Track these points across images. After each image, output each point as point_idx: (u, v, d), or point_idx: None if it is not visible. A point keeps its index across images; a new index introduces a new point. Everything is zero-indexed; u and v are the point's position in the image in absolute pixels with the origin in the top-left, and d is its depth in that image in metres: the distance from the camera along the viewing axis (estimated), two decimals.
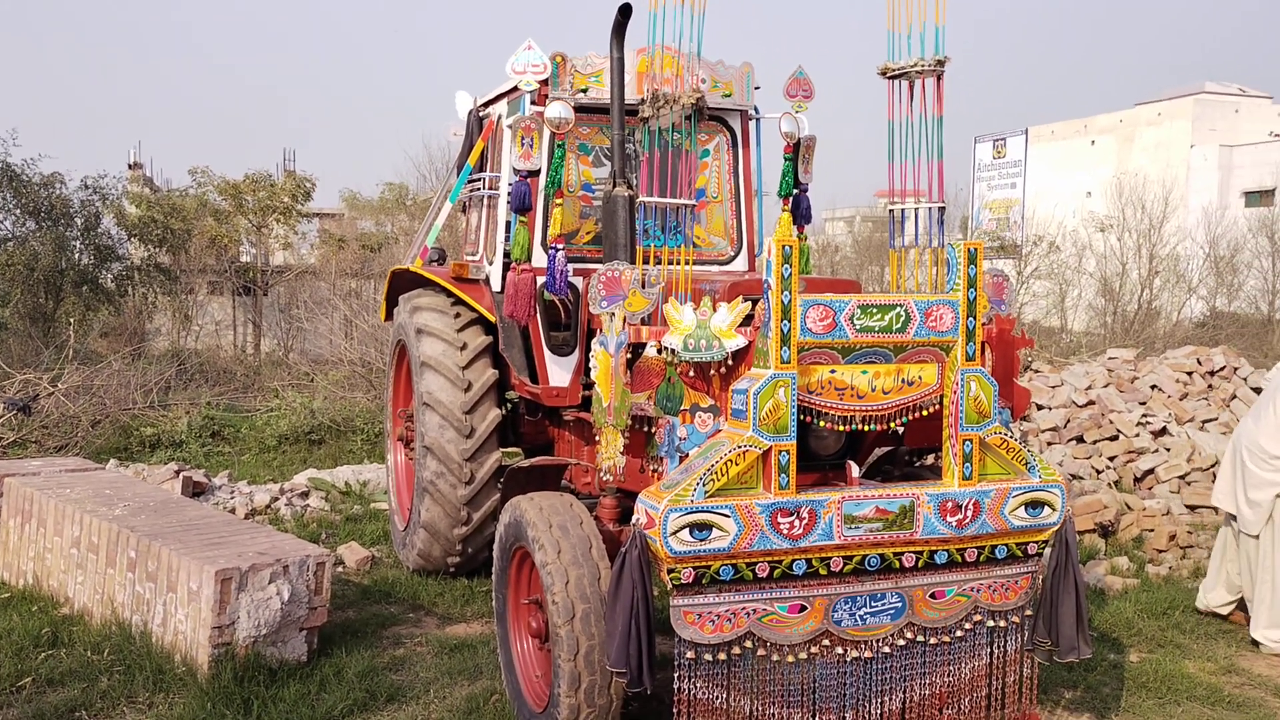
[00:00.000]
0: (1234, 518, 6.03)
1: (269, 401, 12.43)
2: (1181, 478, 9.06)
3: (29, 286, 17.33)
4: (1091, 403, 10.22)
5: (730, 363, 4.00)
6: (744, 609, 3.84)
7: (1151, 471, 9.15)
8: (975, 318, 4.04)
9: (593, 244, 6.05)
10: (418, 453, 6.39)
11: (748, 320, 4.01)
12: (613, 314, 4.15)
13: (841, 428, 3.98)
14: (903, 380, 4.03)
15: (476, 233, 6.87)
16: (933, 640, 4.13)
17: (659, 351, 4.10)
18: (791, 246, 3.79)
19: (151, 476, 8.29)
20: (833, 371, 3.93)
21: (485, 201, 6.67)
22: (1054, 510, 4.20)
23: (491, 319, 6.38)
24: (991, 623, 4.22)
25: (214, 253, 24.61)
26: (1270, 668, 5.53)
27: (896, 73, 4.58)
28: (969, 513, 4.05)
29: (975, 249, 4.03)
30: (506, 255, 6.32)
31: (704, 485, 3.72)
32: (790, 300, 3.78)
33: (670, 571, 3.72)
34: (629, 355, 4.09)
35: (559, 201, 5.56)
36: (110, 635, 5.26)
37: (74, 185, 19.07)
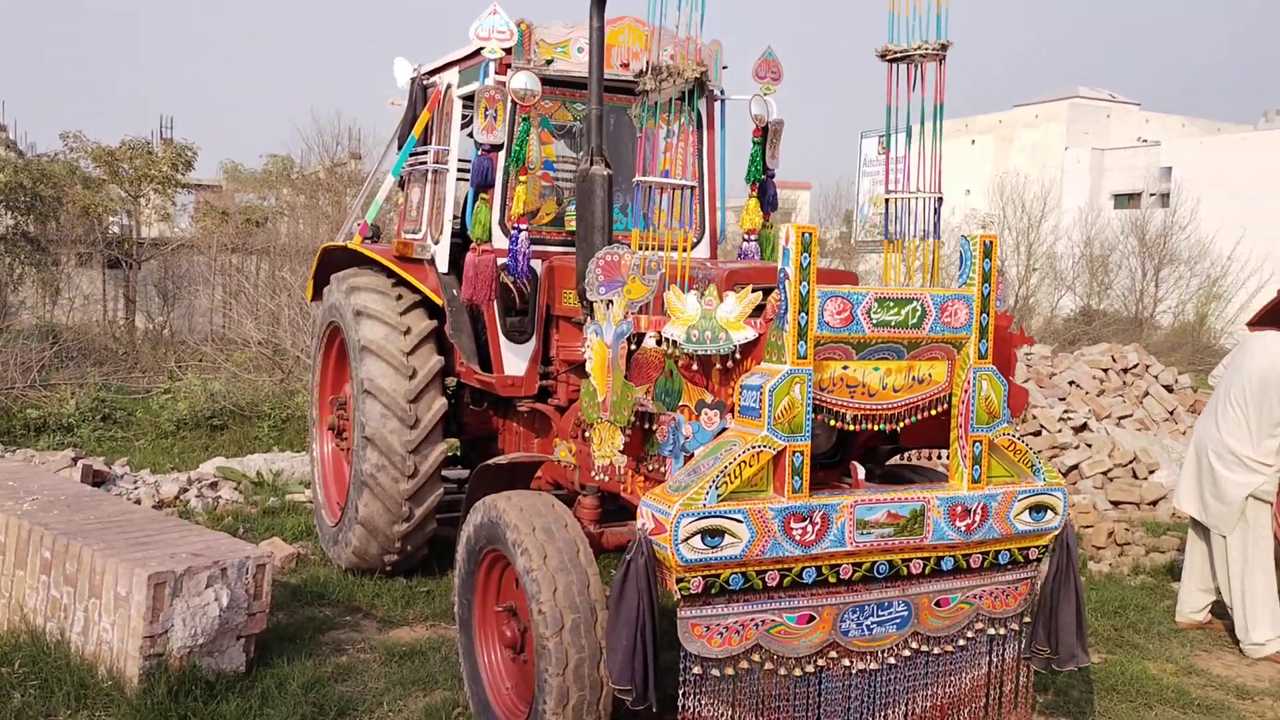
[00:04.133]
0: (1198, 523, 6.04)
1: (161, 383, 11.69)
2: (1105, 474, 9.19)
3: None
4: None
5: (738, 357, 3.74)
6: (753, 620, 3.60)
7: (1076, 467, 9.26)
8: (989, 314, 3.87)
9: (553, 225, 5.73)
10: (355, 444, 5.98)
11: (756, 312, 3.76)
12: (611, 301, 3.85)
13: (852, 427, 3.77)
14: (914, 378, 3.84)
15: (418, 210, 6.46)
16: (936, 650, 3.96)
17: (658, 343, 3.82)
18: (811, 234, 3.55)
19: (45, 464, 7.63)
20: (845, 368, 3.71)
21: (430, 176, 6.27)
22: (1056, 514, 4.07)
23: (438, 302, 6.00)
24: (992, 630, 4.07)
25: (86, 222, 23.22)
26: (1226, 668, 5.56)
27: (898, 55, 4.38)
28: (977, 517, 3.89)
29: (991, 242, 3.86)
30: (455, 234, 5.96)
31: (716, 488, 3.46)
32: (809, 291, 3.55)
33: (679, 581, 3.46)
34: (629, 347, 3.79)
35: (522, 179, 5.22)
36: (21, 645, 4.74)
37: None
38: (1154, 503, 8.93)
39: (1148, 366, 10.93)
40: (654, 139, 4.03)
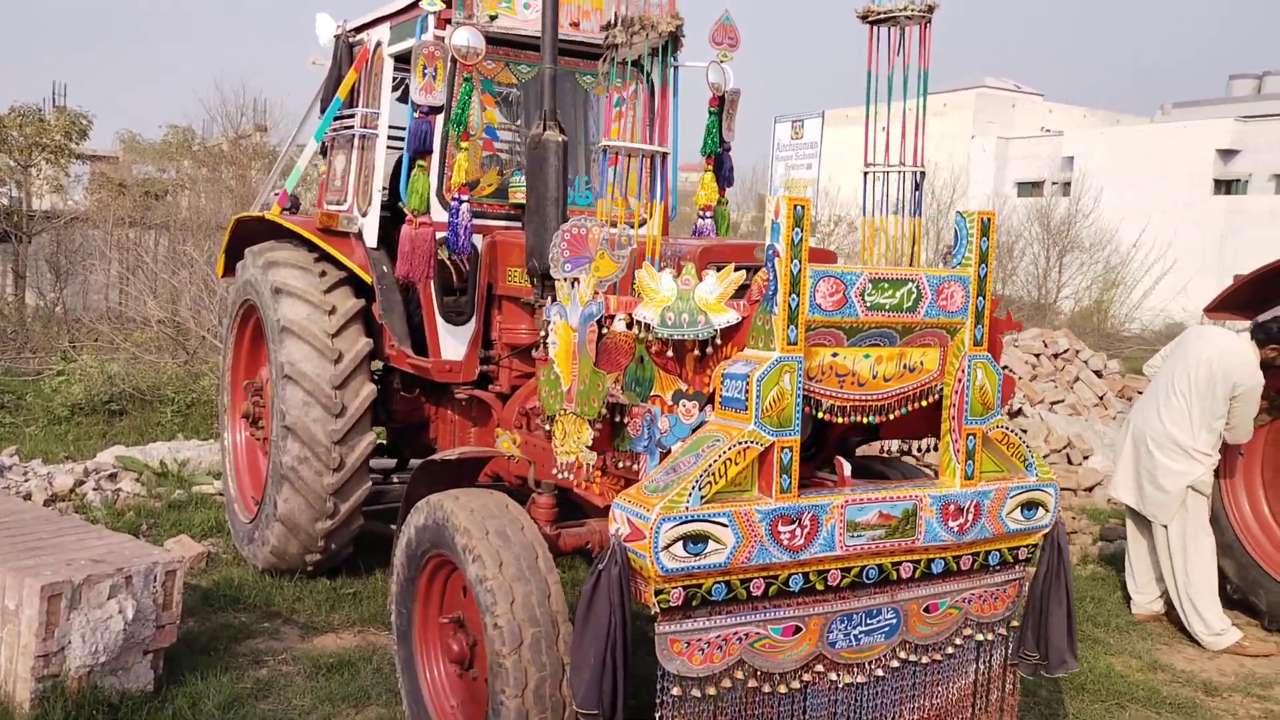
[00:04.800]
0: (1136, 513, 5.94)
1: (54, 364, 10.90)
2: (1042, 459, 9.08)
3: None
4: None
5: (719, 342, 3.38)
6: (735, 633, 3.25)
7: None
8: (985, 297, 3.58)
9: (494, 197, 5.29)
10: (275, 434, 5.48)
11: (739, 293, 3.40)
12: (576, 280, 3.45)
13: (840, 420, 3.44)
14: (904, 366, 3.53)
15: (343, 179, 5.96)
16: (924, 659, 3.66)
17: (629, 326, 3.44)
18: (804, 207, 3.21)
19: None
20: (835, 355, 3.38)
21: (356, 143, 5.77)
22: (1047, 511, 3.81)
23: (366, 279, 5.53)
24: (980, 636, 3.80)
25: None
26: (1189, 662, 5.42)
27: (881, 16, 4.05)
28: (970, 516, 3.60)
29: (989, 219, 3.56)
30: (384, 206, 5.49)
31: (699, 489, 3.10)
32: (800, 271, 3.20)
33: (659, 593, 3.09)
34: (597, 331, 3.40)
35: (463, 145, 4.78)
36: None
37: None
38: (1090, 489, 8.87)
39: (1078, 351, 10.90)
40: (627, 100, 3.63)
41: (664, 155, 3.67)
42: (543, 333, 3.81)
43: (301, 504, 5.44)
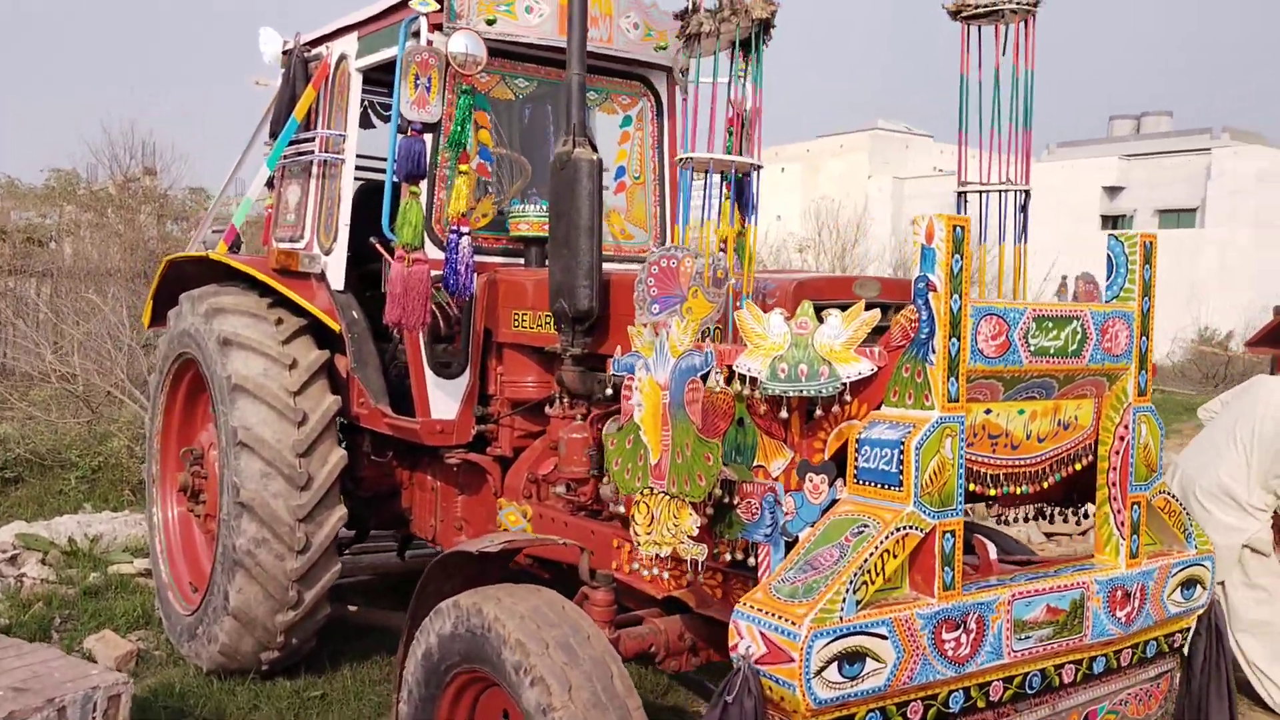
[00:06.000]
0: None
1: None
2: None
3: None
4: None
5: (848, 399, 2.69)
6: None
7: None
8: (1149, 337, 2.97)
9: (489, 229, 4.54)
10: (225, 511, 4.60)
11: (871, 337, 2.72)
12: (657, 325, 2.73)
13: (993, 491, 2.78)
14: (1059, 422, 2.89)
15: (298, 212, 5.14)
16: None
17: (728, 381, 2.73)
18: (963, 227, 2.55)
19: None
20: (988, 412, 2.72)
21: (316, 170, 4.97)
22: (1204, 589, 3.20)
23: (334, 326, 4.72)
24: None
25: None
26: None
27: (976, 11, 3.45)
28: (1137, 601, 2.97)
29: (1151, 242, 2.96)
30: (372, 242, 4.68)
31: (854, 591, 2.40)
32: (960, 309, 2.54)
33: None
34: (701, 389, 2.67)
35: (462, 168, 4.04)
36: None
37: None
38: (1084, 532, 8.42)
39: None
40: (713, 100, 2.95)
41: (758, 169, 2.97)
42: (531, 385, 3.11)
43: (259, 594, 4.56)
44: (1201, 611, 3.22)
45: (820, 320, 2.68)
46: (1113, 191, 43.00)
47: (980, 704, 2.69)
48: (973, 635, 2.59)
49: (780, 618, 2.37)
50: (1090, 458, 2.98)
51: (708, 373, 2.62)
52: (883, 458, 2.54)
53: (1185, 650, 3.26)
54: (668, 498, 2.68)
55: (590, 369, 3.72)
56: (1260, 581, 5.17)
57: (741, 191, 3.13)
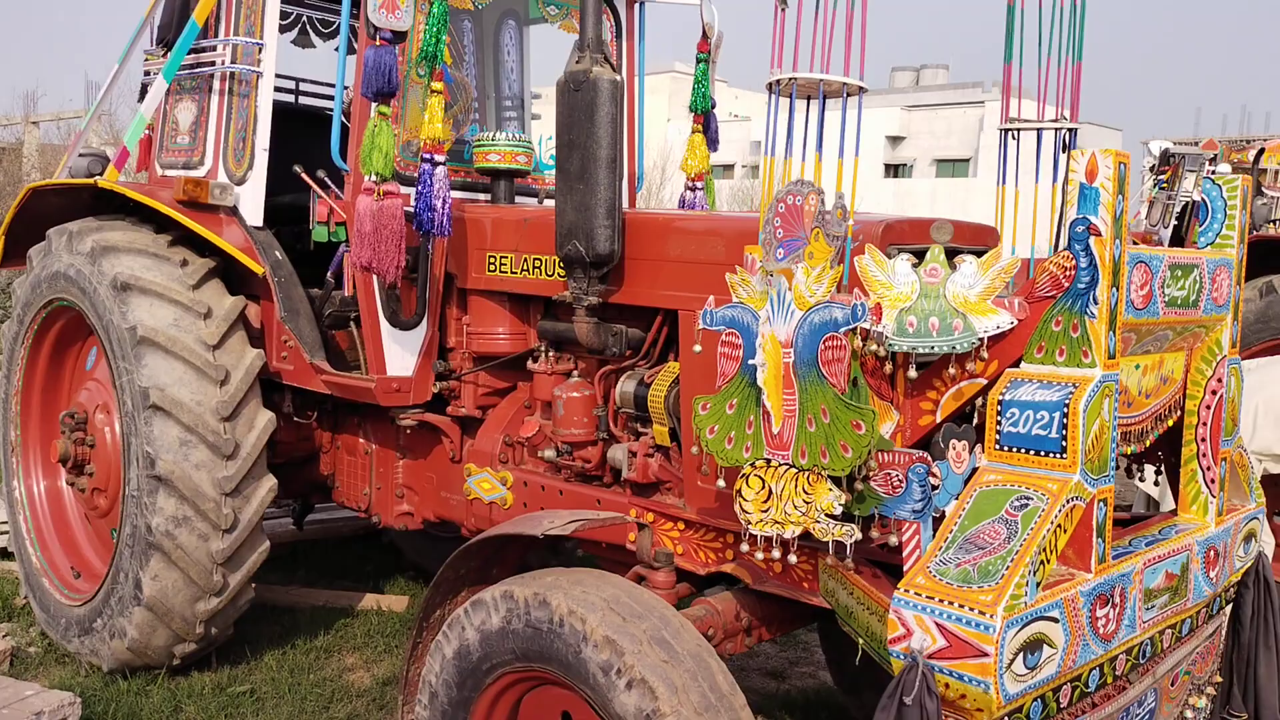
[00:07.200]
0: None
1: None
2: None
3: None
4: None
5: (985, 355, 2.43)
6: None
7: None
8: (1241, 286, 2.84)
9: (453, 160, 4.02)
10: (136, 486, 3.95)
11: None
12: (776, 272, 2.38)
13: None
14: (1160, 377, 2.73)
15: (194, 133, 4.42)
16: None
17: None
18: (1125, 164, 2.31)
19: None
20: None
21: (220, 84, 4.28)
22: (1256, 541, 3.16)
23: (257, 269, 4.10)
24: (1201, 703, 3.09)
25: None
26: None
27: None
28: (1223, 561, 2.88)
29: (1248, 186, 2.82)
30: (297, 171, 4.07)
31: (1033, 573, 2.15)
32: (1121, 253, 2.31)
33: None
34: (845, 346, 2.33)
35: (435, 87, 3.51)
36: None
37: None
38: None
39: None
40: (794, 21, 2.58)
41: (862, 91, 2.62)
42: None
43: (178, 580, 3.95)
44: (1251, 564, 3.18)
45: (952, 266, 2.40)
46: (895, 140, 44.87)
47: (1109, 679, 2.52)
48: (1118, 609, 2.41)
49: (963, 607, 2.10)
50: (1179, 414, 2.84)
51: (854, 328, 2.29)
52: (1038, 421, 2.29)
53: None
54: (794, 471, 2.35)
55: (604, 320, 3.33)
56: None
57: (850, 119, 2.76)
